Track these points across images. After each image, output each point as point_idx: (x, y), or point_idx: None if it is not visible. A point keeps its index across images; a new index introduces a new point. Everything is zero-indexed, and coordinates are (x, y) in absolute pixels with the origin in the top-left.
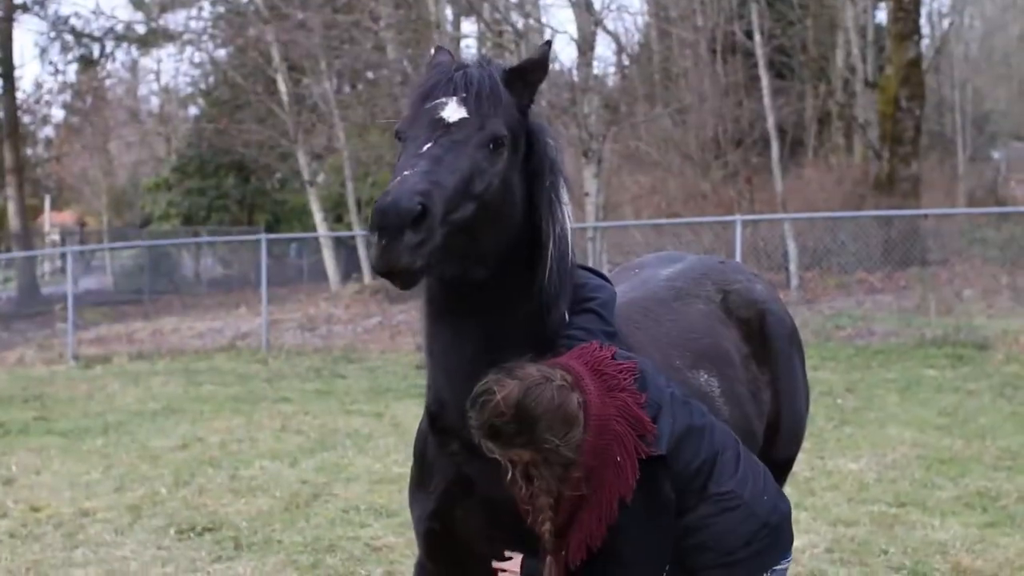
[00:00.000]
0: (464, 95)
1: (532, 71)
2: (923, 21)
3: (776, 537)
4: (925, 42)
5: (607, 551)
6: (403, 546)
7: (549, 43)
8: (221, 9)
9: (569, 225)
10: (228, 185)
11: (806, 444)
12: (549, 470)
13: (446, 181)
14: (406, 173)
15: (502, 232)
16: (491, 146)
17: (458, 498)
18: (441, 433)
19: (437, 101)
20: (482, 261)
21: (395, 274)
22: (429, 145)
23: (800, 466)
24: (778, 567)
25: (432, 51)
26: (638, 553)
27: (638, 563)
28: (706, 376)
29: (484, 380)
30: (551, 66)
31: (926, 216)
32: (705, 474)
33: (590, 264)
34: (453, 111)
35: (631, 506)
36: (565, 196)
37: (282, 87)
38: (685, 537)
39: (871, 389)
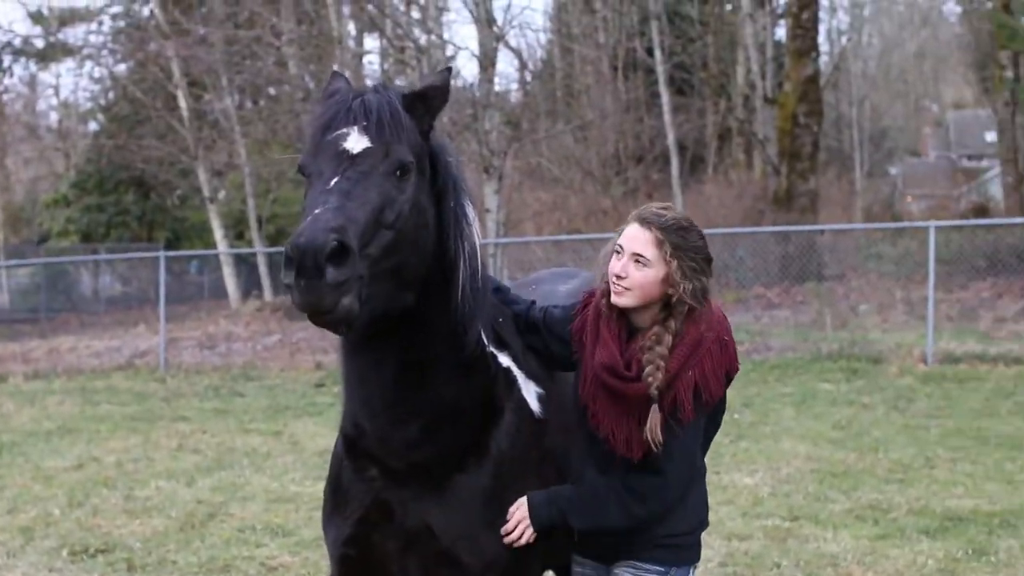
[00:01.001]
0: (365, 123)
1: (433, 96)
2: (822, 38)
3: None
4: (824, 59)
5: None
6: (299, 566)
7: (450, 68)
8: (121, 24)
9: (478, 242)
10: (128, 202)
11: None
12: (663, 289)
13: (357, 215)
14: (317, 211)
15: (419, 256)
16: (398, 173)
17: (375, 524)
18: (359, 458)
19: (338, 132)
20: (407, 287)
21: (322, 313)
22: (336, 179)
23: None
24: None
25: (329, 77)
26: (684, 454)
27: (680, 463)
28: None
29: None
30: (453, 83)
31: (823, 231)
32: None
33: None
34: (356, 141)
35: (698, 409)
36: (471, 213)
37: (182, 103)
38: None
39: (767, 403)
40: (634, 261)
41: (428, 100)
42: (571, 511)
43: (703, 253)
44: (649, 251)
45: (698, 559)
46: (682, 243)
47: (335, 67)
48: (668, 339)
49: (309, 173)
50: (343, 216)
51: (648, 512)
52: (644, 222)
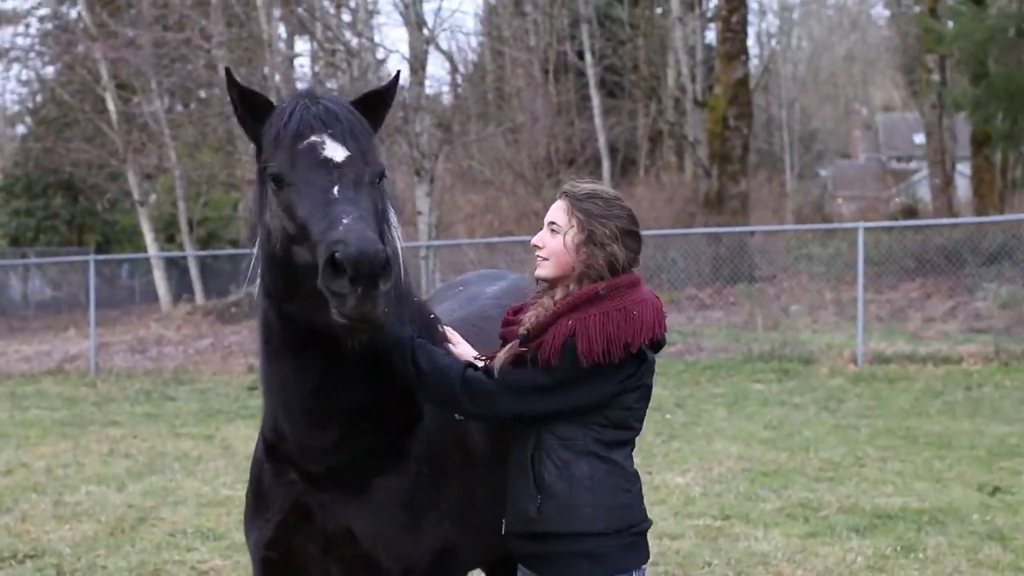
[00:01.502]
0: (334, 131)
1: (383, 103)
2: (751, 42)
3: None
4: (754, 62)
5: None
6: (229, 569)
7: (399, 72)
8: (49, 26)
9: (400, 247)
10: (57, 205)
11: (635, 459)
12: (574, 255)
13: (375, 227)
14: (346, 221)
15: None
16: (378, 180)
17: (296, 528)
18: (279, 462)
19: (312, 140)
20: None
21: (372, 322)
22: (337, 188)
23: None
24: None
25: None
26: (524, 388)
27: (516, 392)
28: None
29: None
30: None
31: (753, 233)
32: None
33: (423, 283)
34: (334, 150)
35: (565, 359)
36: (395, 218)
37: (111, 105)
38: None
39: (699, 404)
40: (550, 230)
41: (378, 106)
42: (420, 352)
43: (619, 222)
44: (561, 218)
45: (634, 565)
46: (594, 209)
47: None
48: (560, 294)
49: (291, 182)
50: (375, 227)
51: (458, 406)
52: (562, 194)
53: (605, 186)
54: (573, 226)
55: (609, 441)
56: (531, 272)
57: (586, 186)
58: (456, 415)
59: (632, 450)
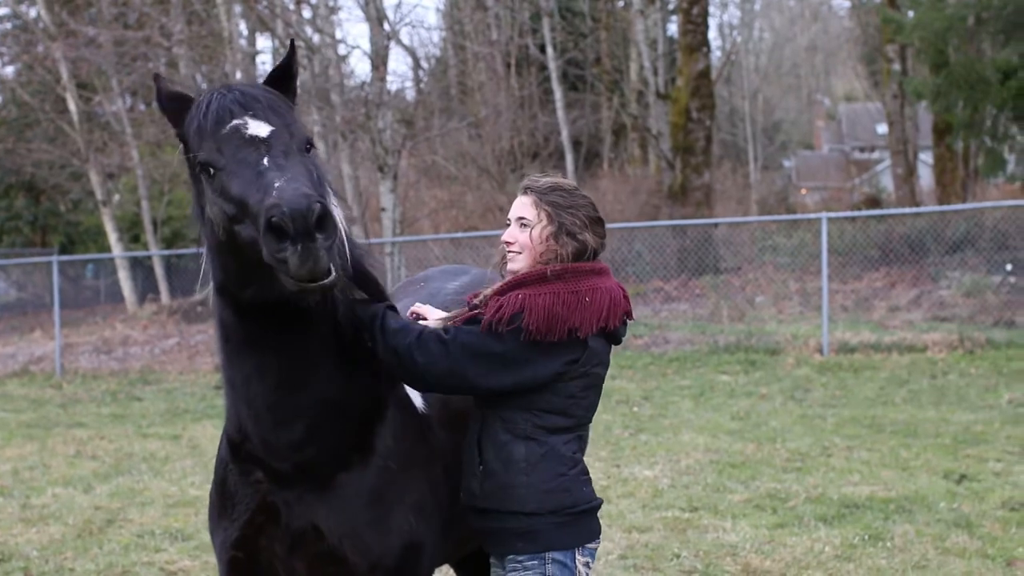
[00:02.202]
0: (254, 112)
1: (287, 76)
2: (713, 33)
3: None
4: (716, 54)
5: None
6: (198, 569)
7: (292, 43)
8: (8, 25)
9: (343, 231)
10: (19, 206)
11: (603, 453)
12: (547, 245)
13: (313, 187)
14: (277, 184)
15: None
16: (307, 149)
17: (262, 527)
18: (243, 462)
19: (235, 123)
20: None
21: (319, 279)
22: (266, 159)
23: (597, 474)
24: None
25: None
26: (473, 349)
27: (464, 351)
28: None
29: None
30: (347, 82)
31: (717, 225)
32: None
33: (388, 279)
34: (258, 127)
35: (513, 330)
36: (334, 199)
37: (72, 105)
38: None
39: (666, 396)
40: (520, 225)
41: (287, 80)
42: (388, 315)
43: (585, 211)
44: (529, 212)
45: (572, 543)
46: (560, 201)
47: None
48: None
49: (222, 166)
50: (311, 186)
51: (412, 362)
52: (524, 189)
53: (561, 178)
54: (542, 219)
55: (549, 427)
56: (497, 266)
57: (546, 180)
58: (413, 383)
59: (577, 437)
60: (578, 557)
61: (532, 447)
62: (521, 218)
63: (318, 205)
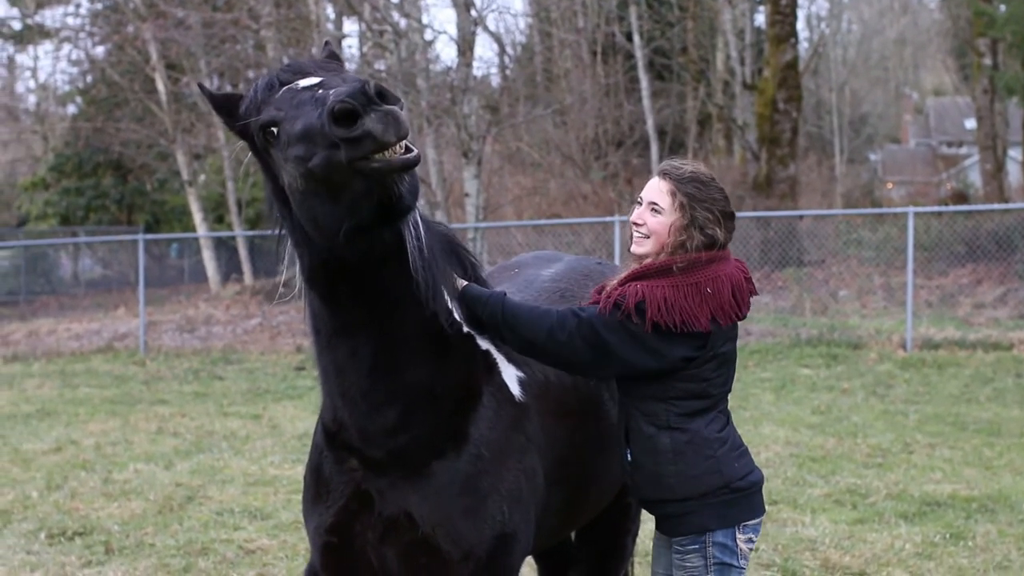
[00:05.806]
0: (302, 74)
1: (336, 54)
2: (801, 25)
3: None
4: (803, 45)
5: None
6: (276, 548)
7: (327, 42)
8: (99, 6)
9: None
10: (106, 185)
11: None
12: (676, 237)
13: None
14: (333, 91)
15: None
16: None
17: (356, 513)
18: (339, 450)
19: (289, 86)
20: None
21: (403, 137)
22: (320, 91)
23: None
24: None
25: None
26: (595, 332)
27: (588, 335)
28: None
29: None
30: (433, 67)
31: (802, 217)
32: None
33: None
34: (311, 81)
35: (644, 322)
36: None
37: (160, 86)
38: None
39: (747, 388)
40: (651, 210)
41: (336, 56)
42: (510, 300)
43: (719, 205)
44: (664, 200)
45: (730, 523)
46: (696, 193)
47: (313, 50)
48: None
49: (281, 118)
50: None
51: (550, 338)
52: (662, 174)
53: (700, 165)
54: (676, 210)
55: (689, 412)
56: (630, 246)
57: (686, 167)
58: (544, 358)
59: (719, 413)
60: (738, 535)
61: (676, 436)
62: (653, 203)
63: (372, 81)
